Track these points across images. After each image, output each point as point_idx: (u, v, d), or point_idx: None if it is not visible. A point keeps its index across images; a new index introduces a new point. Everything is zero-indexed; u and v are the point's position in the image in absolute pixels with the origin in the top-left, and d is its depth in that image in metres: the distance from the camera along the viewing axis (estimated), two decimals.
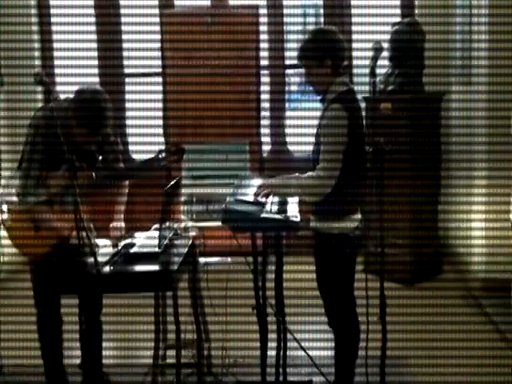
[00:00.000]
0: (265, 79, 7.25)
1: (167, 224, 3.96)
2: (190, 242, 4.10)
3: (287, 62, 7.30)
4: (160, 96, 7.26)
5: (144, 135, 6.93)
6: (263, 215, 3.65)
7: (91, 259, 3.51)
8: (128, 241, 4.00)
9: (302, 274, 4.39)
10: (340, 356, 3.96)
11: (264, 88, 7.21)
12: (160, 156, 4.07)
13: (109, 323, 4.30)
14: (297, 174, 3.83)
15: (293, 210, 3.85)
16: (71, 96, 3.93)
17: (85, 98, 3.89)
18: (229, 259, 5.84)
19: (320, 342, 4.39)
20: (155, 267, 3.60)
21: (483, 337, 4.83)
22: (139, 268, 3.63)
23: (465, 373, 4.21)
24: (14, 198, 3.95)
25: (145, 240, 3.99)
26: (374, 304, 3.47)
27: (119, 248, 3.88)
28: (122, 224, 4.21)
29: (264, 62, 7.20)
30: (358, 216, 3.89)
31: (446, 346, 4.61)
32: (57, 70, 7.28)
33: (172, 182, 3.89)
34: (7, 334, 4.51)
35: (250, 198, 3.79)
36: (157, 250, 3.70)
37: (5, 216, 4.04)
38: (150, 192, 4.56)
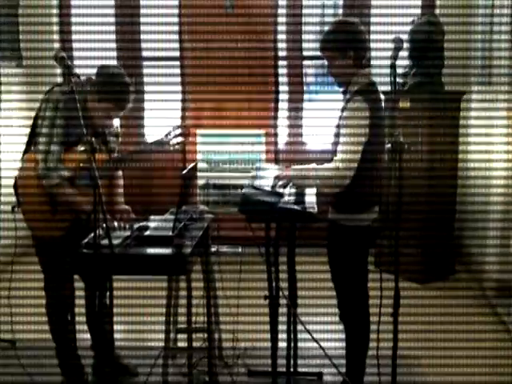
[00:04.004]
0: (282, 70, 7.21)
1: (183, 208, 3.94)
2: (205, 227, 4.07)
3: (305, 53, 7.26)
4: (177, 81, 7.23)
5: (161, 121, 6.90)
6: (281, 206, 3.62)
7: (106, 240, 3.48)
8: (142, 224, 3.97)
9: (316, 266, 4.36)
10: (350, 349, 3.94)
11: (281, 79, 7.19)
12: (168, 137, 4.11)
13: (121, 306, 4.27)
14: (313, 165, 3.82)
15: (310, 202, 3.82)
16: (92, 75, 3.94)
17: (111, 72, 3.94)
18: (239, 249, 5.81)
19: (331, 334, 4.36)
20: (169, 251, 3.57)
21: (495, 337, 4.81)
22: (153, 251, 3.59)
23: (475, 373, 4.18)
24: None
25: (159, 223, 3.96)
26: (385, 302, 3.42)
27: (133, 230, 3.85)
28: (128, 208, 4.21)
29: (282, 53, 7.17)
30: (376, 210, 3.86)
31: (457, 346, 4.56)
32: (75, 53, 7.27)
33: (189, 167, 3.87)
34: (20, 308, 4.48)
35: (268, 188, 3.77)
36: (171, 233, 3.67)
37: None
38: (163, 175, 4.55)
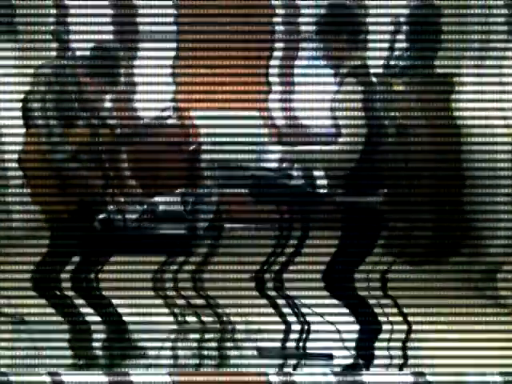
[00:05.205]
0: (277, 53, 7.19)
1: (191, 188, 3.95)
2: (215, 207, 4.06)
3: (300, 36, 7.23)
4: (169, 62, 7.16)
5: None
6: (294, 188, 3.64)
7: (118, 218, 3.48)
8: (152, 201, 3.95)
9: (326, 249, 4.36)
10: (362, 330, 3.96)
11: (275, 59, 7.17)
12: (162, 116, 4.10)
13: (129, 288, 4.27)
14: (319, 147, 3.83)
15: (322, 184, 3.83)
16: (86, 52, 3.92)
17: (103, 46, 3.97)
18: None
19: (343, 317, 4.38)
20: (179, 231, 3.58)
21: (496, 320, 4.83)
22: (163, 230, 3.60)
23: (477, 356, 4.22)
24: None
25: (168, 204, 3.95)
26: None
27: (145, 208, 3.83)
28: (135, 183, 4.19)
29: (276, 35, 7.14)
30: (381, 192, 3.88)
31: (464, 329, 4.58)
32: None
33: (193, 146, 3.88)
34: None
35: (276, 169, 3.78)
36: (184, 212, 3.68)
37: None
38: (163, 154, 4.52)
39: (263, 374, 3.95)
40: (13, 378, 3.95)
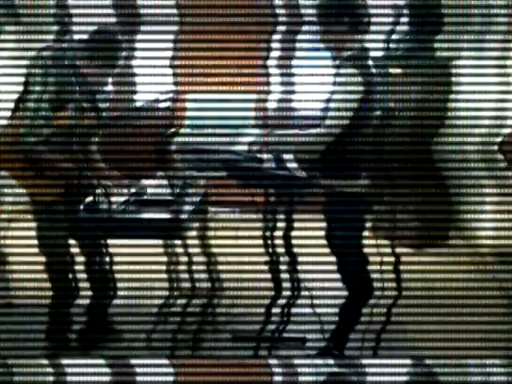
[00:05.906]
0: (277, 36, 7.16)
1: (175, 172, 3.98)
2: (201, 191, 4.09)
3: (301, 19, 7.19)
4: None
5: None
6: (267, 171, 3.64)
7: (104, 203, 3.52)
8: (138, 188, 3.97)
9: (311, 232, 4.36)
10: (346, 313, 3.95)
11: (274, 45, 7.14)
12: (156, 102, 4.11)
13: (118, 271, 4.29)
14: (296, 131, 3.82)
15: (294, 167, 3.82)
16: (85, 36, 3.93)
17: (100, 29, 3.91)
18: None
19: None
20: (166, 215, 3.67)
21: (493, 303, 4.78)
22: (150, 215, 3.67)
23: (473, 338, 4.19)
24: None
25: (154, 188, 3.98)
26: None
27: (131, 194, 3.87)
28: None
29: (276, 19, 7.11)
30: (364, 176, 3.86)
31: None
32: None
33: (172, 130, 3.90)
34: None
35: (246, 154, 3.79)
36: (169, 197, 3.73)
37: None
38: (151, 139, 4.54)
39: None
40: None
